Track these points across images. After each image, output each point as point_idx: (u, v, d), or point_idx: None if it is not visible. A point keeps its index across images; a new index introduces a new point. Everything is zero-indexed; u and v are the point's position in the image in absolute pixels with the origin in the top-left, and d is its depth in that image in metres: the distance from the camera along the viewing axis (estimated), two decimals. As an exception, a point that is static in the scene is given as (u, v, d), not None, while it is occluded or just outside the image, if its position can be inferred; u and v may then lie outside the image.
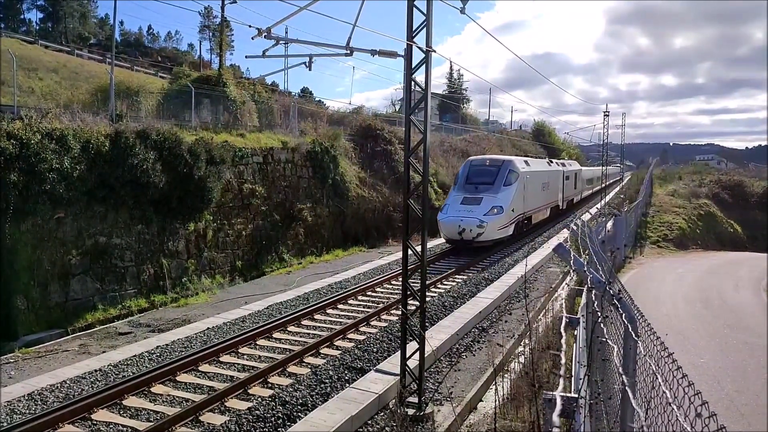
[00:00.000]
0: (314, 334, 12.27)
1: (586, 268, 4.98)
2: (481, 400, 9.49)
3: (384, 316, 13.66)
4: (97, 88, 22.63)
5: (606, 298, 4.04)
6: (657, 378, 2.26)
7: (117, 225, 15.24)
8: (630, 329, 3.12)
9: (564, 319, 10.59)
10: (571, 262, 5.60)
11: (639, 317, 3.42)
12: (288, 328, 12.66)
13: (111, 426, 8.05)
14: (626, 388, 2.82)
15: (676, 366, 2.34)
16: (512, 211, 23.10)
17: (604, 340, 3.66)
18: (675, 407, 2.01)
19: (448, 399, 8.83)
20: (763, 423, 9.22)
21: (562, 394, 5.51)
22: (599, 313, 3.84)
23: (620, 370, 3.04)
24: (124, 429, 8.00)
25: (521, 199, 24.40)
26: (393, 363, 9.66)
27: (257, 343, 11.71)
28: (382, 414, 8.54)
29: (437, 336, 11.52)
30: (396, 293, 15.46)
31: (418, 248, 8.74)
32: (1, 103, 16.02)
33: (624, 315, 3.30)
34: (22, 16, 62.41)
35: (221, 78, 25.29)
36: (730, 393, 10.40)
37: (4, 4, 56.86)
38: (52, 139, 13.74)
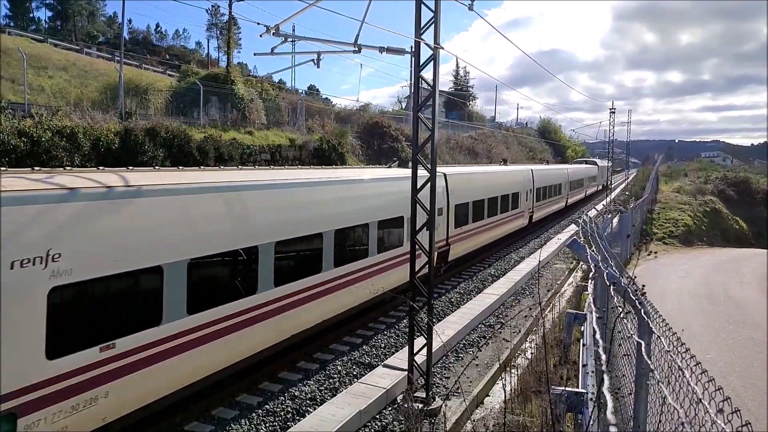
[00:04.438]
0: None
1: (602, 265, 5.04)
2: (488, 395, 9.58)
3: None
4: (106, 86, 22.77)
5: (625, 295, 4.08)
6: (683, 373, 2.29)
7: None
8: (650, 325, 3.18)
9: (571, 314, 10.71)
10: (588, 258, 5.66)
11: (654, 314, 3.48)
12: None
13: None
14: (644, 383, 2.88)
15: (695, 362, 2.38)
16: None
17: (629, 336, 3.70)
18: (706, 404, 2.03)
19: (456, 394, 8.90)
20: (769, 418, 9.28)
21: (571, 389, 5.60)
22: (621, 309, 3.90)
23: (643, 365, 3.08)
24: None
25: None
26: (401, 358, 9.75)
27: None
28: (390, 408, 8.64)
29: (445, 331, 11.61)
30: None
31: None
32: (2, 99, 16.05)
33: (642, 311, 3.37)
34: (31, 15, 62.78)
35: (229, 76, 25.40)
36: (736, 388, 10.45)
37: (13, 2, 57.18)
38: (62, 137, 13.89)
